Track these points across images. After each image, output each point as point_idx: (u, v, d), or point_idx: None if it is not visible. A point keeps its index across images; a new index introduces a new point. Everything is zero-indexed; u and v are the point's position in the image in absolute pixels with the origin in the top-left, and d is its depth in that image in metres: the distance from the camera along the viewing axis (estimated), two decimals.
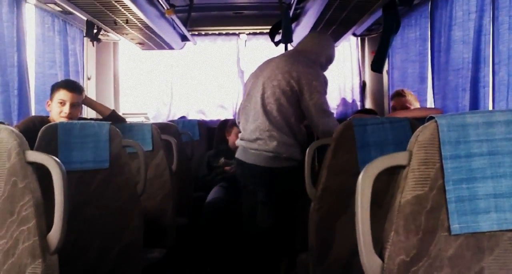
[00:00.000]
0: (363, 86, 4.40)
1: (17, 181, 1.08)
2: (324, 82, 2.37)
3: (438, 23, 2.74)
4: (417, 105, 2.94)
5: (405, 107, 2.90)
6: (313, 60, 2.45)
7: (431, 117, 0.89)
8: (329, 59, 2.56)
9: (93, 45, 3.68)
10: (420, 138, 0.87)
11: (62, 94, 2.42)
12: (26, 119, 2.44)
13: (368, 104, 4.34)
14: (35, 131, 1.87)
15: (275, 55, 2.55)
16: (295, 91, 2.31)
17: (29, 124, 2.34)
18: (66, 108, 2.41)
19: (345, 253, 1.67)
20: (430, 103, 2.97)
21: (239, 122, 2.60)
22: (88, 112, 3.61)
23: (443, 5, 2.64)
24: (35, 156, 1.12)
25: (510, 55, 1.91)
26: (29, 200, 1.08)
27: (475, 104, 2.28)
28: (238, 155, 2.50)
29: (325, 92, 2.36)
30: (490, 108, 2.12)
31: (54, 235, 1.12)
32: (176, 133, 3.22)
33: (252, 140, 2.38)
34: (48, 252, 1.10)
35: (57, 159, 1.14)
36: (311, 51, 2.47)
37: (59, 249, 1.13)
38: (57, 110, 2.41)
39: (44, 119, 2.40)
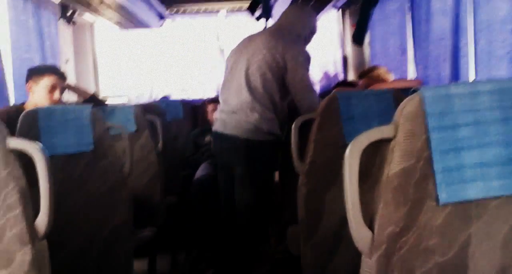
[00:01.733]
0: (344, 59, 4.39)
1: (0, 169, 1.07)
2: (307, 58, 2.36)
3: None
4: (390, 78, 2.92)
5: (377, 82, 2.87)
6: (297, 34, 2.43)
7: (415, 90, 0.89)
8: (312, 31, 2.52)
9: (69, 27, 3.59)
10: (405, 111, 0.87)
11: (54, 79, 2.38)
12: (0, 110, 2.38)
13: (351, 77, 4.34)
14: (9, 122, 1.82)
15: (256, 32, 2.51)
16: (281, 67, 2.30)
17: (2, 115, 2.27)
18: (58, 95, 2.38)
19: (335, 224, 1.69)
20: (411, 75, 2.98)
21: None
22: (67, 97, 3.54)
23: None
24: (16, 143, 1.10)
25: (490, 23, 1.91)
26: (13, 188, 1.07)
27: (455, 74, 2.30)
28: (216, 127, 2.46)
29: (308, 69, 2.35)
30: (472, 77, 2.13)
31: (42, 220, 1.12)
32: (160, 113, 3.19)
33: (233, 112, 2.36)
34: (37, 237, 1.10)
35: (39, 144, 1.12)
36: (293, 26, 2.44)
37: (47, 235, 1.13)
38: (46, 95, 2.36)
39: (19, 109, 2.33)
